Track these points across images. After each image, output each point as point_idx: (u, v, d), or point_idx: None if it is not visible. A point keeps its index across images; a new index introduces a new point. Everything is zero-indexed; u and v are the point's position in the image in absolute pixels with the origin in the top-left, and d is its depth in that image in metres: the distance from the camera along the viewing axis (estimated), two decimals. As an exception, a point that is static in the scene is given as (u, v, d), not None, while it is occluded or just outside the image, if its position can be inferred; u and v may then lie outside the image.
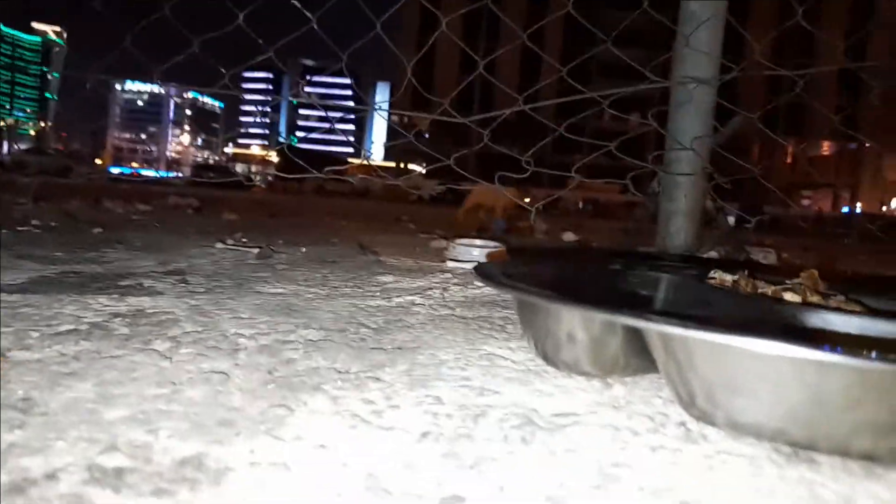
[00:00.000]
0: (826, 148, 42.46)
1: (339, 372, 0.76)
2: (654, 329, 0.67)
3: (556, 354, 0.84)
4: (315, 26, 2.25)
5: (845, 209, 38.53)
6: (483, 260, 2.18)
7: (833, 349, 0.53)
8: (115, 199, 3.62)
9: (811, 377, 0.57)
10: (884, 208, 37.63)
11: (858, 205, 39.40)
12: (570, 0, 2.36)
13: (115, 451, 0.48)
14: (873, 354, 0.54)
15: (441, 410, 0.64)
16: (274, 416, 0.59)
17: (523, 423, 0.62)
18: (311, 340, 0.90)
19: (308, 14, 2.23)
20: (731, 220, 3.40)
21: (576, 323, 0.80)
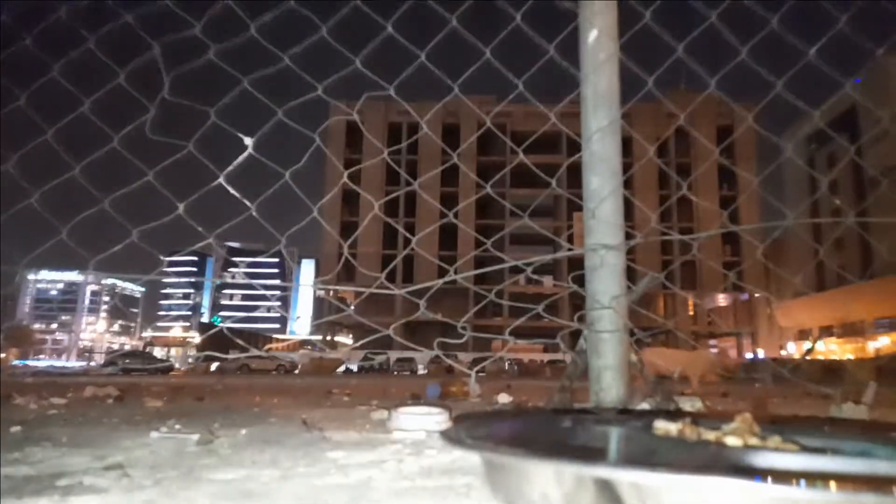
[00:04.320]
0: (721, 300, 46.10)
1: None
2: (628, 479, 0.73)
3: (530, 514, 0.86)
4: (254, 213, 2.39)
5: (749, 355, 41.00)
6: (428, 428, 2.17)
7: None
8: (26, 394, 3.36)
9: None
10: (782, 352, 40.32)
11: (760, 350, 42.07)
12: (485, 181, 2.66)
13: None
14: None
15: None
16: None
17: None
18: (282, 524, 0.88)
19: (247, 202, 2.38)
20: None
21: (548, 479, 0.84)
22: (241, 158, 2.14)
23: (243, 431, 2.04)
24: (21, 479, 1.20)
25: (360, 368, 28.50)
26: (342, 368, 27.49)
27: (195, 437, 1.80)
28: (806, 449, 1.04)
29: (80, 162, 2.15)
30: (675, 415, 1.50)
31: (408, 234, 2.68)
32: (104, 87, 2.26)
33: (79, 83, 2.29)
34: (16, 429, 2.03)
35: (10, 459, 1.43)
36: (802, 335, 39.97)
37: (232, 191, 2.29)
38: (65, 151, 2.21)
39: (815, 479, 0.89)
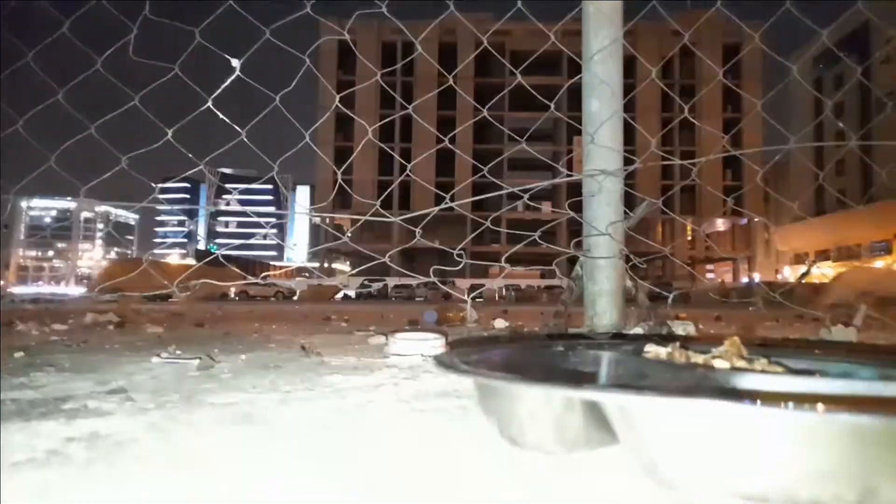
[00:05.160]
0: (720, 225, 46.31)
1: (328, 478, 0.78)
2: (613, 401, 0.74)
3: (521, 436, 0.89)
4: (245, 138, 2.35)
5: (745, 279, 41.61)
6: (424, 352, 2.22)
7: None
8: (27, 320, 3.41)
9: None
10: (778, 276, 40.84)
11: (756, 275, 42.59)
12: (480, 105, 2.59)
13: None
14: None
15: None
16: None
17: None
18: (282, 455, 0.91)
19: (237, 128, 2.33)
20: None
21: (538, 402, 0.86)
22: (228, 81, 2.07)
23: (243, 357, 2.08)
24: (27, 403, 1.23)
25: (358, 295, 28.87)
26: (340, 295, 27.89)
27: (196, 362, 1.83)
28: (791, 371, 1.06)
29: (65, 88, 2.08)
30: (666, 339, 1.52)
31: (402, 161, 2.66)
32: (84, 8, 2.15)
33: (60, 6, 2.19)
34: (19, 354, 2.07)
35: (15, 384, 1.47)
36: (799, 259, 40.35)
37: (220, 115, 2.24)
38: (50, 79, 2.14)
39: (796, 399, 0.91)
